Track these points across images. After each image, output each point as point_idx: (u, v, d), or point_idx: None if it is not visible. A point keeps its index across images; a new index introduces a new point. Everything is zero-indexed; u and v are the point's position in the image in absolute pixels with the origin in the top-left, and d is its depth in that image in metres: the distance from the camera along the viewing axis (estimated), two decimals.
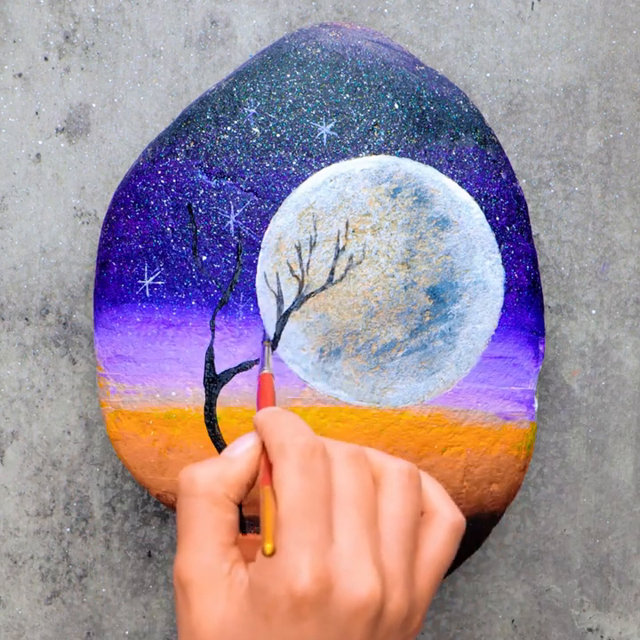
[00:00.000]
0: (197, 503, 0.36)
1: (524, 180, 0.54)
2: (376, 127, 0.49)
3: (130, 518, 0.55)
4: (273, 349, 0.49)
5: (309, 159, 0.49)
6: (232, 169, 0.49)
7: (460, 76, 0.54)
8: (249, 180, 0.49)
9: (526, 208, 0.51)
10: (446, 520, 0.37)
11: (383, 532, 0.35)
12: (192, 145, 0.49)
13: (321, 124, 0.49)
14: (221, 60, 0.54)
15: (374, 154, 0.49)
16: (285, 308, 0.49)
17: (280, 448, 0.35)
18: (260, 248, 0.49)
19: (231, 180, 0.49)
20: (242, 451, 0.37)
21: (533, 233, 0.54)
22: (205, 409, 0.49)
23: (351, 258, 0.49)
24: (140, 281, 0.50)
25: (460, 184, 0.49)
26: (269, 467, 0.36)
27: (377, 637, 0.34)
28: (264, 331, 0.49)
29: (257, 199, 0.49)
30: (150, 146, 0.50)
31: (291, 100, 0.49)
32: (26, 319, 0.54)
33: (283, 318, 0.49)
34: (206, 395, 0.49)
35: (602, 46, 0.54)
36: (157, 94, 0.54)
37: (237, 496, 0.36)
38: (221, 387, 0.49)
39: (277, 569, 0.33)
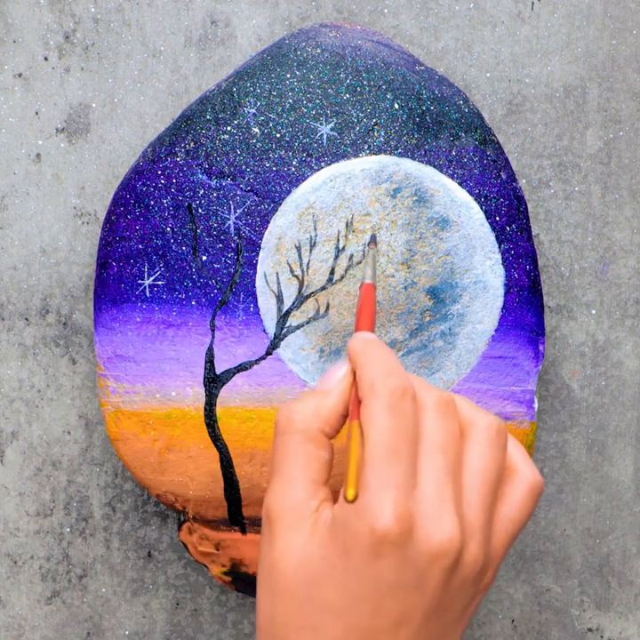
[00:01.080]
0: (292, 440, 0.36)
1: (524, 180, 0.54)
2: (376, 127, 0.49)
3: (130, 518, 0.55)
4: (272, 350, 0.49)
5: (309, 159, 0.49)
6: (232, 169, 0.49)
7: (459, 75, 0.54)
8: (249, 179, 0.49)
9: (526, 208, 0.51)
10: (526, 480, 0.37)
11: (466, 483, 0.35)
12: (192, 145, 0.49)
13: (321, 123, 0.49)
14: (221, 60, 0.54)
15: (374, 154, 0.49)
16: (285, 308, 0.49)
17: (371, 386, 0.35)
18: (259, 248, 0.49)
19: (231, 180, 0.49)
20: (335, 381, 0.37)
21: (533, 233, 0.54)
22: (205, 409, 0.49)
23: (351, 258, 0.49)
24: (139, 281, 0.50)
25: (460, 184, 0.49)
26: (359, 402, 0.36)
27: (452, 586, 0.35)
28: (373, 235, 0.48)
29: (257, 199, 0.49)
30: (150, 146, 0.50)
31: (291, 100, 0.49)
32: (26, 319, 0.54)
33: (283, 318, 0.49)
34: (206, 395, 0.49)
35: (602, 46, 0.54)
36: (157, 94, 0.54)
37: (333, 429, 0.36)
38: (221, 387, 0.49)
39: (360, 506, 0.33)
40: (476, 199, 0.50)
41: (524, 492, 0.37)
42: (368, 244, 0.47)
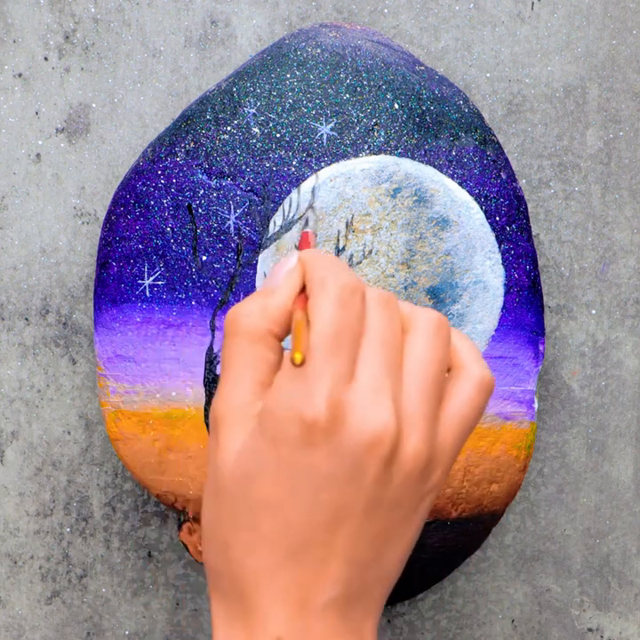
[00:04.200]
0: (239, 341, 0.35)
1: (523, 180, 0.54)
2: (376, 127, 0.49)
3: (130, 518, 0.55)
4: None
5: (309, 159, 0.49)
6: (232, 169, 0.49)
7: (460, 75, 0.54)
8: (249, 179, 0.49)
9: (526, 208, 0.51)
10: (473, 376, 0.36)
11: (406, 375, 0.35)
12: (192, 145, 0.49)
13: (321, 124, 0.49)
14: (221, 60, 0.54)
15: (374, 154, 0.49)
16: None
17: (322, 281, 0.35)
18: (260, 248, 0.49)
19: (231, 180, 0.49)
20: (283, 276, 0.36)
21: (533, 233, 0.54)
22: (205, 409, 0.49)
23: (351, 258, 0.49)
24: (140, 281, 0.50)
25: (460, 184, 0.49)
26: (306, 297, 0.35)
27: (394, 480, 0.34)
28: (307, 219, 0.48)
29: (257, 199, 0.49)
30: (150, 146, 0.50)
31: (291, 100, 0.49)
32: (26, 319, 0.54)
33: None
34: (206, 395, 0.49)
35: (602, 46, 0.54)
36: (157, 94, 0.54)
37: (282, 329, 0.36)
38: None
39: (292, 393, 0.33)
40: (476, 199, 0.50)
41: (471, 388, 0.36)
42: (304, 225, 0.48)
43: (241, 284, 0.49)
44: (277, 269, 0.36)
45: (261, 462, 0.33)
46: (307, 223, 0.47)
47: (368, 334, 0.34)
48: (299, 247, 0.41)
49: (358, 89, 0.49)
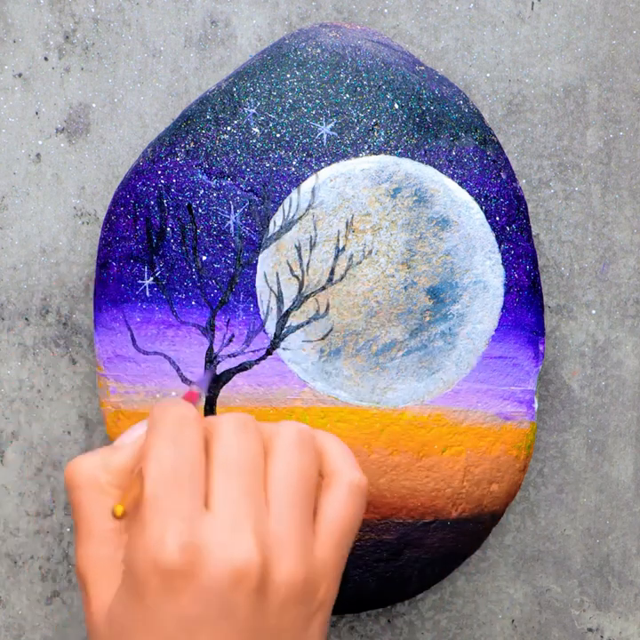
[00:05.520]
0: (83, 494, 0.34)
1: (523, 180, 0.54)
2: (376, 127, 0.49)
3: None
4: (272, 349, 0.49)
5: (309, 159, 0.49)
6: (232, 169, 0.49)
7: (460, 75, 0.54)
8: (249, 179, 0.49)
9: (526, 208, 0.51)
10: (344, 479, 0.35)
11: (272, 497, 0.34)
12: (192, 145, 0.49)
13: (321, 124, 0.49)
14: (221, 60, 0.54)
15: (374, 154, 0.49)
16: (285, 308, 0.49)
17: (152, 424, 0.34)
18: (260, 248, 0.49)
19: (231, 180, 0.49)
20: (130, 438, 0.36)
21: (533, 233, 0.54)
22: (205, 409, 0.49)
23: (351, 258, 0.49)
24: (139, 281, 0.50)
25: (459, 184, 0.49)
26: None
27: (271, 608, 0.33)
28: (202, 380, 0.48)
29: (257, 199, 0.49)
30: (150, 146, 0.50)
31: (291, 100, 0.49)
32: (26, 319, 0.54)
33: (283, 318, 0.49)
34: (206, 395, 0.49)
35: (602, 46, 0.54)
36: (157, 94, 0.54)
37: (123, 483, 0.35)
38: (221, 387, 0.49)
39: (144, 543, 0.32)
40: (476, 199, 0.50)
41: (343, 491, 0.35)
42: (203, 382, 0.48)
43: (241, 284, 0.49)
44: (130, 431, 0.36)
45: (131, 615, 0.32)
46: (200, 383, 0.46)
47: (217, 463, 0.33)
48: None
49: (358, 89, 0.49)
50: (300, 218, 0.49)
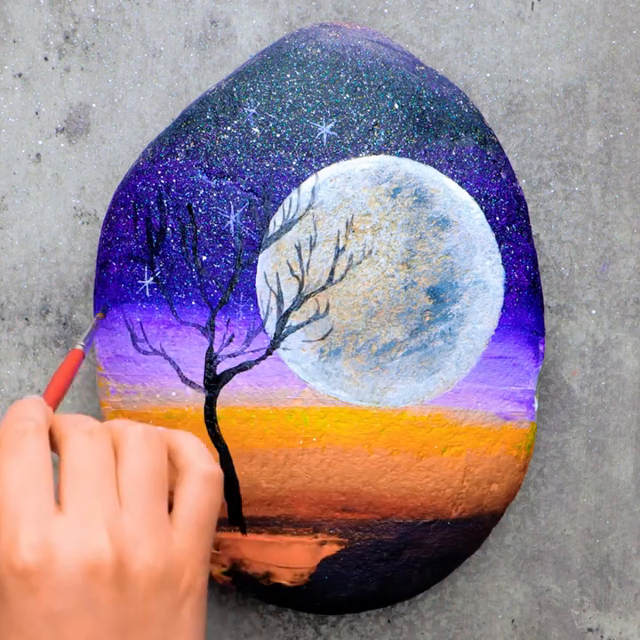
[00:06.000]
0: None
1: (523, 180, 0.54)
2: (376, 127, 0.49)
3: None
4: (272, 349, 0.49)
5: (309, 159, 0.49)
6: (232, 169, 0.49)
7: (460, 75, 0.54)
8: (249, 179, 0.49)
9: (526, 208, 0.51)
10: (197, 472, 0.37)
11: (123, 494, 0.35)
12: (192, 145, 0.49)
13: (321, 124, 0.49)
14: (221, 60, 0.54)
15: (374, 154, 0.49)
16: (285, 308, 0.49)
17: None
18: (260, 248, 0.49)
19: (231, 180, 0.49)
20: None
21: (533, 233, 0.54)
22: (205, 409, 0.49)
23: (351, 258, 0.49)
24: (140, 281, 0.50)
25: (459, 184, 0.49)
26: None
27: (134, 597, 0.34)
28: (107, 305, 0.49)
29: (257, 199, 0.49)
30: (150, 146, 0.50)
31: (291, 100, 0.49)
32: (26, 319, 0.54)
33: (283, 318, 0.49)
34: (206, 395, 0.49)
35: (602, 46, 0.54)
36: (157, 94, 0.54)
37: None
38: (221, 387, 0.49)
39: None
40: (475, 199, 0.50)
41: (196, 482, 0.37)
42: (95, 314, 0.49)
43: (241, 283, 0.49)
44: None
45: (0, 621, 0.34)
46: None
47: (66, 467, 0.35)
48: (59, 366, 0.44)
49: (358, 89, 0.49)
50: (300, 218, 0.49)
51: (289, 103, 0.49)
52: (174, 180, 0.49)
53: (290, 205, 0.49)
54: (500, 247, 0.50)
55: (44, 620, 0.33)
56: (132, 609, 0.34)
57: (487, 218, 0.50)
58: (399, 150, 0.49)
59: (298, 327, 0.49)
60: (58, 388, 0.42)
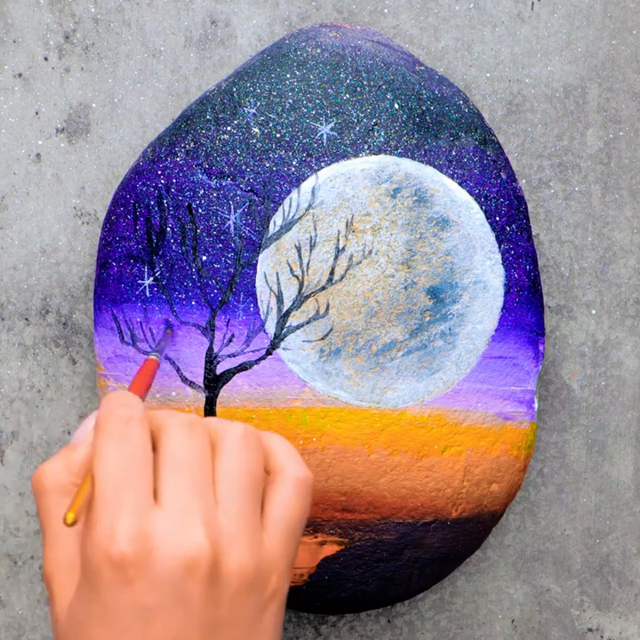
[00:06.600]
0: (48, 499, 0.35)
1: (523, 180, 0.54)
2: (376, 127, 0.49)
3: None
4: (272, 349, 0.49)
5: (309, 159, 0.49)
6: (232, 169, 0.49)
7: (460, 75, 0.54)
8: (249, 179, 0.49)
9: (526, 208, 0.51)
10: (290, 476, 0.37)
11: (220, 492, 0.35)
12: (192, 145, 0.49)
13: (321, 124, 0.49)
14: (221, 60, 0.54)
15: (374, 154, 0.49)
16: (285, 308, 0.49)
17: (98, 423, 0.35)
18: (260, 248, 0.49)
19: (231, 179, 0.49)
20: (84, 433, 0.37)
21: (533, 233, 0.54)
22: (205, 409, 0.49)
23: (351, 258, 0.49)
24: (139, 281, 0.50)
25: (459, 184, 0.49)
26: None
27: (223, 598, 0.34)
28: (169, 321, 0.49)
29: (257, 199, 0.49)
30: (150, 146, 0.50)
31: (291, 100, 0.49)
32: (26, 319, 0.54)
33: (283, 318, 0.49)
34: (206, 395, 0.49)
35: (602, 46, 0.54)
36: (157, 94, 0.54)
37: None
38: (221, 387, 0.49)
39: (96, 537, 0.33)
40: (476, 199, 0.50)
41: (290, 488, 0.36)
42: (164, 330, 0.49)
43: (241, 283, 0.49)
44: (82, 426, 0.37)
45: (88, 609, 0.34)
46: (159, 350, 0.47)
47: (166, 460, 0.35)
48: (137, 372, 0.43)
49: (358, 89, 0.49)
50: (299, 218, 0.49)
51: (289, 103, 0.49)
52: (174, 180, 0.49)
53: (290, 205, 0.49)
54: (500, 247, 0.50)
55: (134, 614, 0.33)
56: (221, 608, 0.34)
57: (487, 218, 0.50)
58: (399, 150, 0.49)
59: (298, 327, 0.49)
60: (139, 390, 0.42)
